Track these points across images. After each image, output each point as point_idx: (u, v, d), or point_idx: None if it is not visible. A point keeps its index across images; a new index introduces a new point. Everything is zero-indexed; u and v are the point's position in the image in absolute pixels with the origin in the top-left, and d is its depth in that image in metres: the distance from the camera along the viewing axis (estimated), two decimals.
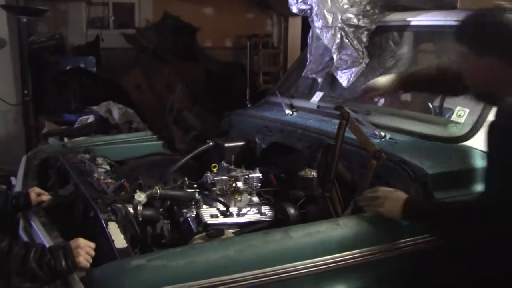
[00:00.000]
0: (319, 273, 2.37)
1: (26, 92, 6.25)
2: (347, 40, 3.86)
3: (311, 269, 2.35)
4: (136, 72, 7.06)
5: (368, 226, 2.56)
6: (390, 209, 2.54)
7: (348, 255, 2.44)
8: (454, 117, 3.21)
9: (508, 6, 2.34)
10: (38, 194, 3.03)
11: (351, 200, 2.83)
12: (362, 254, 2.47)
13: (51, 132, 5.92)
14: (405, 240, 2.58)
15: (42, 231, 2.74)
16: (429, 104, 3.78)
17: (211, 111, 5.08)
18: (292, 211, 3.00)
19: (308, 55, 4.18)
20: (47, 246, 2.30)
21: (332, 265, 2.40)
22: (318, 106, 3.94)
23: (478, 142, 2.97)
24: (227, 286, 2.19)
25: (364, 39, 3.89)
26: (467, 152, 2.97)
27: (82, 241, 2.27)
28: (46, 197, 3.05)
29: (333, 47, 3.88)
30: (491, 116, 2.99)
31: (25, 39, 6.17)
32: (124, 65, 7.55)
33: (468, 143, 3.02)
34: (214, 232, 2.61)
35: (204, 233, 2.64)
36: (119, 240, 2.47)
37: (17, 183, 3.63)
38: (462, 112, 3.17)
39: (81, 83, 6.98)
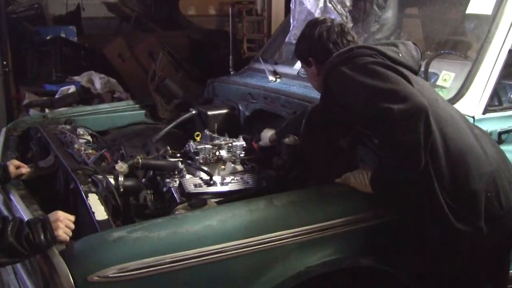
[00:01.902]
0: (304, 241, 2.35)
1: (5, 63, 6.17)
2: (330, 5, 3.81)
3: (295, 238, 2.32)
4: (118, 41, 6.98)
5: (351, 193, 2.54)
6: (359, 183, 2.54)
7: (332, 224, 2.41)
8: (439, 82, 3.18)
9: (320, 19, 2.85)
10: (17, 167, 2.97)
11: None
12: (346, 222, 2.44)
13: (32, 103, 5.82)
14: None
15: (21, 204, 2.70)
16: None
17: (194, 79, 5.02)
18: (275, 178, 2.96)
19: (291, 20, 4.11)
20: (26, 219, 2.25)
21: (316, 233, 2.37)
22: (299, 72, 3.88)
23: (464, 106, 2.95)
24: (210, 256, 2.16)
25: (348, 3, 3.83)
26: None
27: (61, 214, 2.22)
28: (25, 169, 3.00)
29: (316, 12, 3.82)
30: (476, 81, 2.99)
31: (3, 9, 6.05)
32: (106, 35, 7.47)
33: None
34: (196, 201, 2.57)
35: (186, 203, 2.60)
36: (100, 212, 2.43)
37: None
38: (447, 76, 3.16)
39: (62, 53, 6.87)
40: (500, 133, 3.00)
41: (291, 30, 4.09)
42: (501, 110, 3.11)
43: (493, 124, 3.00)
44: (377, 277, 2.60)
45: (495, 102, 3.17)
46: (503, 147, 2.82)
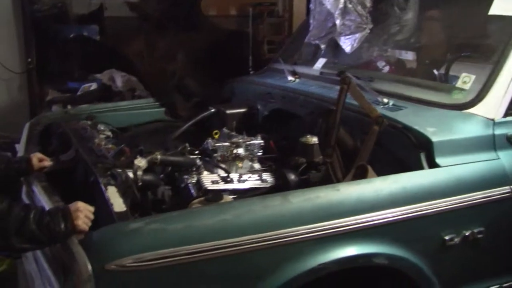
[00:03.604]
0: (318, 238, 2.35)
1: (29, 60, 6.22)
2: (350, 5, 3.79)
3: (310, 234, 2.33)
4: (139, 41, 7.01)
5: (368, 192, 2.53)
6: None
7: (347, 220, 2.41)
8: (459, 84, 3.16)
9: None
10: (40, 160, 3.03)
11: (352, 166, 2.80)
12: (361, 220, 2.44)
13: (54, 100, 5.90)
14: (404, 207, 2.55)
15: (43, 195, 2.75)
16: (435, 71, 3.75)
17: (213, 79, 5.04)
18: (292, 177, 2.97)
19: (311, 21, 4.11)
20: (47, 208, 2.29)
21: (331, 230, 2.38)
22: (321, 73, 3.90)
23: (483, 109, 2.95)
24: (225, 250, 2.18)
25: (368, 4, 3.81)
26: (471, 120, 2.94)
27: (81, 205, 2.26)
28: (47, 162, 3.05)
29: (336, 12, 3.81)
30: (497, 83, 2.98)
31: (28, 8, 6.11)
32: (127, 34, 7.49)
33: (473, 110, 2.97)
34: (213, 196, 2.60)
35: (202, 198, 2.62)
36: (118, 204, 2.47)
37: (19, 148, 3.64)
38: (467, 79, 3.13)
39: (84, 51, 6.94)
40: None
41: (310, 30, 4.08)
42: None
43: None
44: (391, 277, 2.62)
45: None
46: None
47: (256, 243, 2.23)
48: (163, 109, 4.43)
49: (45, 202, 2.66)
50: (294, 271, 2.31)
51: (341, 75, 3.29)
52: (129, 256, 2.07)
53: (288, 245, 2.30)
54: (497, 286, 2.96)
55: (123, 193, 2.61)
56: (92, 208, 2.30)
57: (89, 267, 2.05)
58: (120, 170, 2.79)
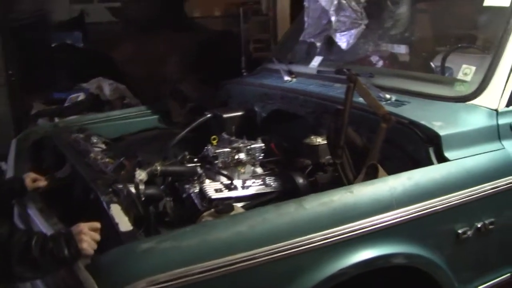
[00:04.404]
0: (336, 243, 2.29)
1: (10, 72, 6.09)
2: (345, 1, 3.75)
3: (327, 240, 2.26)
4: (125, 46, 6.93)
5: (382, 191, 2.47)
6: None
7: (364, 222, 2.36)
8: (460, 76, 3.16)
9: None
10: (34, 180, 2.92)
11: (362, 166, 2.72)
12: (378, 221, 2.39)
13: (41, 113, 5.79)
14: (418, 204, 2.51)
15: (39, 218, 2.66)
16: (432, 63, 3.75)
17: (207, 82, 4.96)
18: (301, 180, 2.89)
19: (305, 19, 4.05)
20: (48, 233, 2.19)
21: (348, 234, 2.32)
22: (318, 71, 3.84)
23: (486, 100, 2.96)
24: (242, 264, 2.10)
25: (362, 0, 3.77)
26: (476, 111, 2.94)
27: (84, 226, 2.15)
28: (42, 182, 2.94)
29: (331, 9, 3.78)
30: (497, 74, 2.99)
31: (6, 16, 5.99)
32: (112, 39, 7.41)
33: (476, 101, 2.97)
34: (223, 207, 2.50)
35: (212, 210, 2.53)
36: (124, 223, 2.37)
37: (8, 167, 3.53)
38: (468, 70, 3.12)
39: (69, 60, 6.83)
40: None
41: (305, 28, 4.04)
42: None
43: None
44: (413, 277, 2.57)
45: None
46: None
47: (273, 254, 2.16)
48: (156, 116, 4.34)
49: (42, 225, 2.56)
50: (314, 279, 2.24)
51: (340, 72, 3.25)
52: (142, 280, 1.95)
53: (306, 253, 2.23)
54: (509, 275, 2.98)
55: (127, 210, 2.51)
56: (98, 226, 2.20)
57: None
58: (121, 186, 2.69)
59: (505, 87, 2.99)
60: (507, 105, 2.98)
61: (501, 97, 2.97)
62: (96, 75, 6.52)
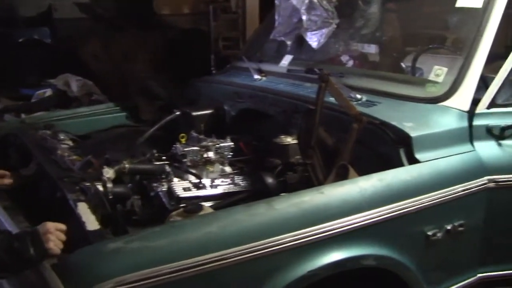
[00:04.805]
0: (306, 244, 2.27)
1: None
2: (316, 0, 3.73)
3: (298, 241, 2.25)
4: (93, 42, 6.86)
5: (353, 192, 2.46)
6: None
7: (334, 224, 2.34)
8: (432, 77, 3.15)
9: None
10: (0, 176, 2.85)
11: (333, 166, 2.72)
12: (348, 222, 2.38)
13: (8, 108, 5.71)
14: (388, 206, 2.50)
15: (5, 216, 2.60)
16: (402, 64, 3.75)
17: (176, 80, 4.93)
18: (270, 180, 2.86)
19: (276, 17, 4.04)
20: (13, 232, 2.14)
21: (318, 235, 2.30)
22: (288, 70, 3.83)
23: (458, 101, 2.95)
24: (212, 265, 2.07)
25: None
26: (447, 113, 2.93)
27: (51, 225, 2.11)
28: (8, 180, 2.89)
29: (302, 8, 3.76)
30: (469, 75, 2.98)
31: None
32: (80, 36, 7.32)
33: (447, 102, 2.96)
34: (192, 207, 2.47)
35: (181, 209, 2.50)
36: (91, 222, 2.34)
37: None
38: (440, 71, 3.11)
39: (36, 56, 6.75)
40: (503, 128, 2.94)
41: (276, 26, 4.02)
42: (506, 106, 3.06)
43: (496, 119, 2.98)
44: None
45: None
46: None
47: (243, 255, 2.13)
48: (124, 113, 4.30)
49: (8, 223, 2.51)
50: (284, 280, 2.23)
51: (310, 72, 3.24)
52: (110, 280, 1.92)
53: (276, 254, 2.21)
54: (477, 277, 2.98)
55: (94, 209, 2.47)
56: (63, 227, 2.16)
57: None
58: (88, 184, 2.65)
59: (476, 88, 2.98)
60: (474, 105, 2.97)
61: (473, 98, 2.97)
62: (64, 71, 6.43)
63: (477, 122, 2.92)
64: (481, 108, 2.94)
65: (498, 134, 2.92)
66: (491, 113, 2.96)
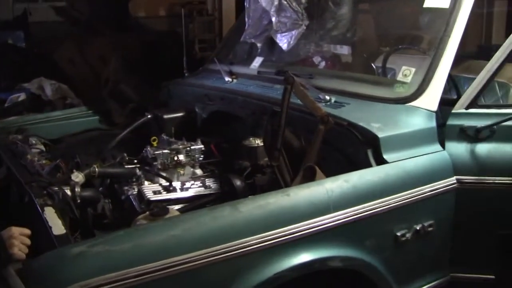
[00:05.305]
0: (271, 247, 2.27)
1: None
2: (285, 2, 3.76)
3: (263, 243, 2.24)
4: (68, 46, 6.84)
5: (319, 194, 2.45)
6: None
7: (300, 226, 2.34)
8: (400, 77, 3.15)
9: None
10: None
11: (300, 168, 2.73)
12: (314, 224, 2.37)
13: None
14: (356, 207, 2.50)
15: None
16: (373, 64, 3.75)
17: (147, 82, 4.92)
18: (238, 182, 2.88)
19: (246, 19, 4.05)
20: None
21: (284, 238, 2.30)
22: (258, 72, 3.84)
23: (426, 101, 2.94)
24: (176, 268, 2.07)
25: (303, 0, 3.79)
26: (415, 113, 2.93)
27: (15, 230, 2.10)
28: None
29: (272, 10, 3.78)
30: (437, 75, 2.98)
31: None
32: (55, 39, 7.28)
33: (415, 103, 2.95)
34: (158, 210, 2.48)
35: (147, 213, 2.50)
36: (57, 226, 2.32)
37: None
38: (408, 72, 3.12)
39: (10, 60, 6.70)
40: (478, 130, 2.92)
41: (246, 29, 4.04)
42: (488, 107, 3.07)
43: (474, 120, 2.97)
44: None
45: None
46: (486, 145, 2.88)
47: (208, 257, 2.12)
48: (97, 117, 4.30)
49: None
50: (250, 283, 2.22)
51: (280, 73, 3.25)
52: (74, 284, 1.91)
53: (241, 256, 2.20)
54: (448, 277, 2.98)
55: (62, 213, 2.46)
56: (28, 232, 2.14)
57: None
58: (56, 188, 2.64)
59: (444, 88, 2.98)
60: (445, 104, 2.98)
61: (441, 98, 2.96)
62: (38, 75, 6.40)
63: (452, 122, 2.92)
64: (459, 108, 2.95)
65: (472, 135, 2.91)
66: (470, 114, 2.95)
